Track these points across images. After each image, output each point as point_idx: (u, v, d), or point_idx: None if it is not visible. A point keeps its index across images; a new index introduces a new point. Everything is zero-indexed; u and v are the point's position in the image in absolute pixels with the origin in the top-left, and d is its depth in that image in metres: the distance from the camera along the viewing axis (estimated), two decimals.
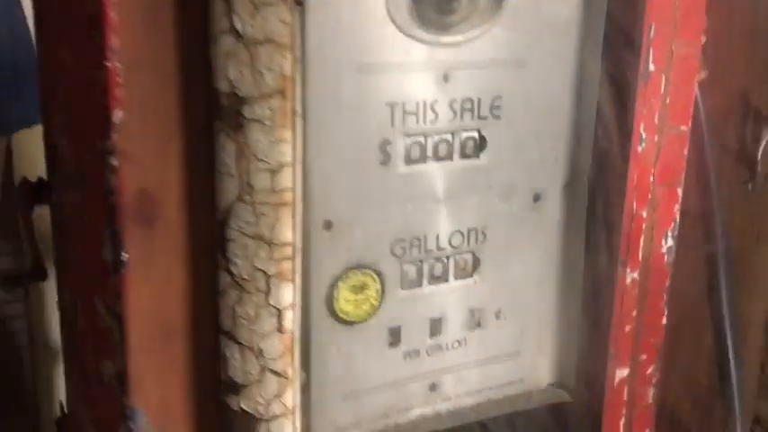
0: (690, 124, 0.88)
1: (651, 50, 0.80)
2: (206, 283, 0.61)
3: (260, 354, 0.60)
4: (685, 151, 0.89)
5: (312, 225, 0.70)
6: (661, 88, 0.83)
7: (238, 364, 0.60)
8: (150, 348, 0.62)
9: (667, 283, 0.92)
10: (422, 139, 0.75)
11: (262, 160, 0.57)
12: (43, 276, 0.94)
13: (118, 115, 0.57)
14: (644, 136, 0.83)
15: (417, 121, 0.74)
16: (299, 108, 0.59)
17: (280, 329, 0.59)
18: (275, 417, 0.61)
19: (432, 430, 0.83)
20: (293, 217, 0.58)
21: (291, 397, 0.61)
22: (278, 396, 0.60)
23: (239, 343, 0.60)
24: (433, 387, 0.83)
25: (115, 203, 0.57)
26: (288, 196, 0.57)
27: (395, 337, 0.79)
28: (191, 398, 0.63)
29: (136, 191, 0.58)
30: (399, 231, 0.76)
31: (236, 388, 0.61)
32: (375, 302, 0.76)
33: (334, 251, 0.73)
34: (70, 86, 0.75)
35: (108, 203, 0.58)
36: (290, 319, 0.60)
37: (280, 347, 0.60)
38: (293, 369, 0.61)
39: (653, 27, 0.80)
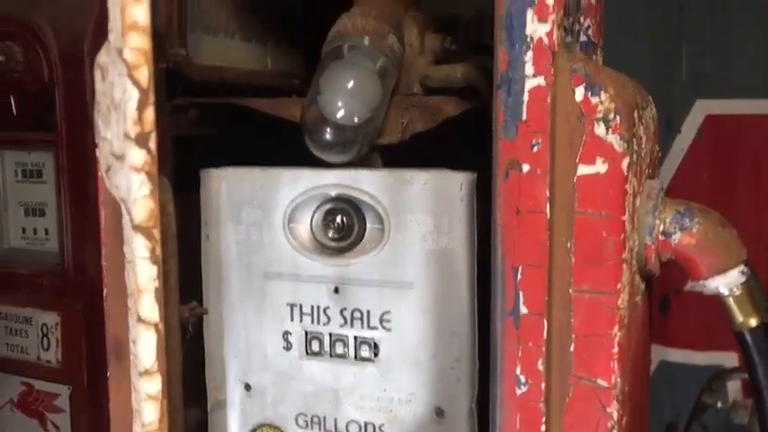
0: (616, 381, 0.76)
1: (521, 292, 0.76)
2: None
3: None
4: (612, 409, 0.76)
5: (237, 385, 0.96)
6: (543, 333, 0.76)
7: None
8: None
9: None
10: (319, 336, 0.91)
11: None
12: None
13: None
14: (523, 379, 0.77)
15: (312, 321, 0.91)
16: None
17: None
18: None
19: None
20: None
21: None
22: None
23: None
24: None
25: None
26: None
27: None
28: None
29: None
30: (300, 408, 0.93)
31: None
32: None
33: (253, 407, 0.96)
34: None
35: None
36: None
37: None
38: None
39: (520, 269, 0.76)
